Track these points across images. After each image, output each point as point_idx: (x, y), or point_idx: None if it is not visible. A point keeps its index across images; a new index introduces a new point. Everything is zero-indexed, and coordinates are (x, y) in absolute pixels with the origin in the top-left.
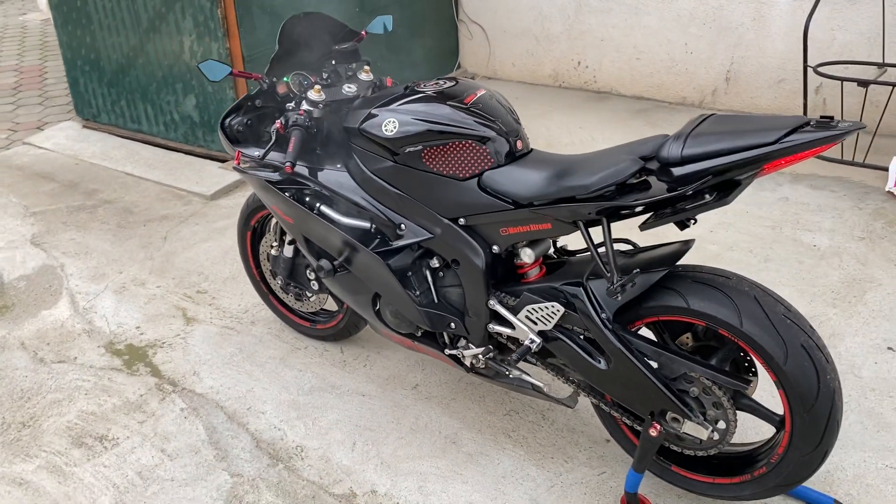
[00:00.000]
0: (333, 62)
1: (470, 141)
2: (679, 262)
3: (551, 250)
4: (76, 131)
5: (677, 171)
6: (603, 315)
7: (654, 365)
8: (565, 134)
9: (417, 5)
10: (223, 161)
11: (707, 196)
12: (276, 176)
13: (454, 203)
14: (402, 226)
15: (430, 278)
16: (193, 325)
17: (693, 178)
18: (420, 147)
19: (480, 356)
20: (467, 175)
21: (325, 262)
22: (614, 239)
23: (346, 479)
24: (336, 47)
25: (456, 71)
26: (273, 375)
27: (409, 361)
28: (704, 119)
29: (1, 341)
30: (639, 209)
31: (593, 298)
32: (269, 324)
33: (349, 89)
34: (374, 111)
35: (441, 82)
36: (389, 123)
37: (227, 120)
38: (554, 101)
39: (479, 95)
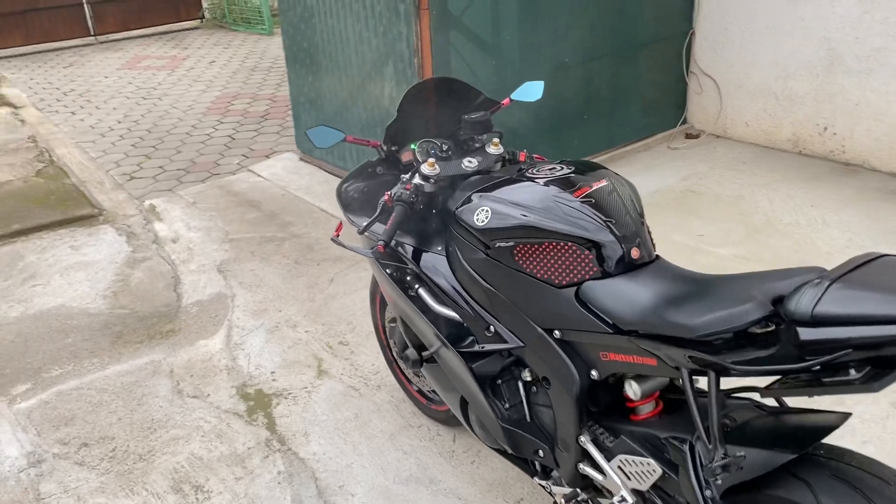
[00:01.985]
0: (461, 132)
1: (570, 243)
2: (824, 441)
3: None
4: (293, 163)
5: (805, 333)
6: (708, 493)
7: None
8: (789, 212)
9: (643, 53)
10: None
11: (853, 372)
12: (369, 253)
13: (548, 312)
14: (492, 328)
15: (520, 393)
16: (323, 379)
17: (824, 347)
18: (512, 243)
19: (569, 499)
20: (564, 282)
21: (411, 352)
22: (743, 388)
23: None
24: (465, 116)
25: (680, 126)
26: (377, 453)
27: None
28: (872, 260)
29: (155, 366)
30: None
31: (699, 466)
32: (394, 391)
33: (469, 164)
34: (472, 195)
35: (558, 167)
36: (482, 212)
37: (345, 185)
38: (788, 170)
39: (594, 188)
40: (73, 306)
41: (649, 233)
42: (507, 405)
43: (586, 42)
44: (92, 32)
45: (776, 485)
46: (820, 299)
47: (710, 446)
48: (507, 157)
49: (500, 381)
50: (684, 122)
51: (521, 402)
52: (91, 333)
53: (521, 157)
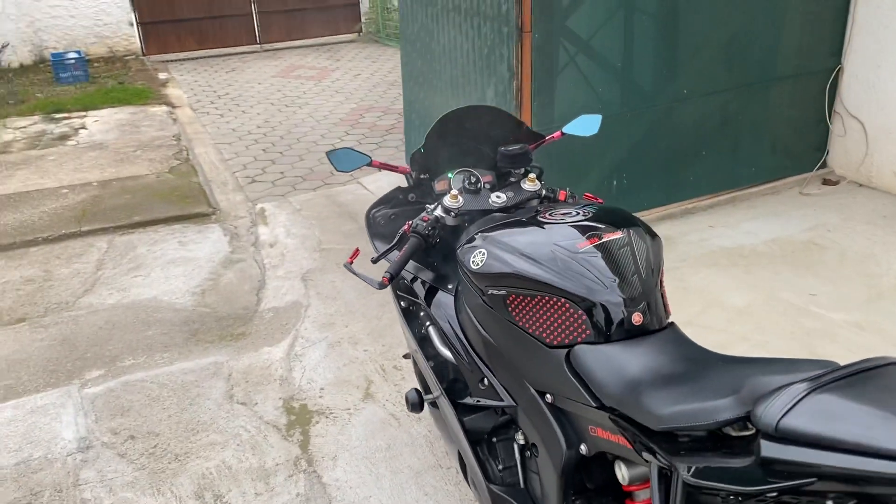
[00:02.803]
0: (499, 165)
1: (563, 299)
2: None
3: None
4: (399, 178)
5: (767, 447)
6: None
7: None
8: None
9: (778, 87)
10: None
11: None
12: (375, 284)
13: (540, 372)
14: (486, 380)
15: (514, 456)
16: (367, 403)
17: (787, 470)
18: (504, 292)
19: None
20: (556, 342)
21: (411, 394)
22: None
23: None
24: (501, 148)
25: (817, 170)
26: (398, 490)
27: None
28: (884, 366)
29: (216, 368)
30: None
31: None
32: (432, 426)
33: (497, 199)
34: (476, 234)
35: (577, 211)
36: (479, 254)
37: (374, 210)
38: None
39: (605, 240)
40: (162, 300)
41: (663, 296)
42: (500, 466)
43: (710, 71)
44: (258, 41)
45: None
46: (791, 409)
47: None
48: (543, 194)
49: (495, 440)
50: (823, 166)
51: (515, 465)
52: (170, 328)
53: (562, 196)
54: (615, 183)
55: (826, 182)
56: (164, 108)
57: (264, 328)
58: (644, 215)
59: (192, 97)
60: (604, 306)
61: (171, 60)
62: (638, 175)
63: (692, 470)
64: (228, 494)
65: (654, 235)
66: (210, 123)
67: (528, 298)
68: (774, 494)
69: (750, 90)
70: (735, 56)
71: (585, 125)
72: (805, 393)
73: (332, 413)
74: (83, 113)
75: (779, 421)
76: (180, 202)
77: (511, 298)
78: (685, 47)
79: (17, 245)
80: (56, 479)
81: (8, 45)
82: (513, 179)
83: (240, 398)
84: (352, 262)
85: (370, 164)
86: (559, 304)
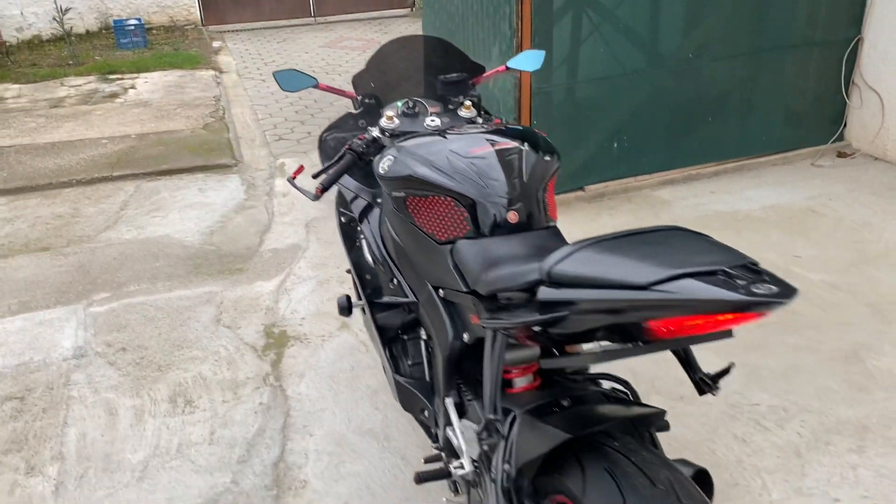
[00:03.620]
0: (438, 92)
1: (450, 199)
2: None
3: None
4: None
5: (542, 292)
6: (506, 467)
7: None
8: None
9: (793, 56)
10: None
11: (595, 344)
12: (310, 196)
13: (433, 268)
14: (395, 280)
15: (422, 353)
16: (342, 332)
17: (553, 308)
18: (404, 193)
19: (429, 460)
20: (443, 238)
21: (342, 299)
22: (602, 374)
23: None
24: (441, 77)
25: (832, 143)
26: (352, 405)
27: None
28: (666, 230)
29: (210, 296)
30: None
31: (511, 442)
32: None
33: (431, 122)
34: (392, 145)
35: (484, 127)
36: (387, 161)
37: (326, 133)
38: None
39: (495, 148)
40: (174, 237)
41: (548, 203)
42: (410, 362)
43: (721, 35)
44: (312, 14)
45: (562, 468)
46: (563, 259)
47: (484, 407)
48: (480, 122)
49: (406, 338)
50: (839, 139)
51: (423, 361)
52: (176, 262)
53: (496, 122)
54: (615, 145)
55: (840, 155)
56: (212, 72)
57: (261, 266)
58: (645, 179)
59: (241, 63)
60: (482, 204)
61: (228, 31)
62: (639, 138)
63: (489, 316)
64: (198, 400)
65: (552, 153)
66: (252, 87)
67: (423, 199)
68: (540, 329)
69: (763, 57)
70: (748, 22)
71: (529, 60)
72: (581, 247)
73: (307, 339)
74: (135, 75)
75: (550, 269)
76: (207, 154)
77: (409, 200)
78: (694, 9)
79: (54, 186)
80: (49, 379)
81: (70, 9)
82: (451, 107)
83: (226, 322)
84: (295, 178)
85: (316, 87)
86: (446, 202)
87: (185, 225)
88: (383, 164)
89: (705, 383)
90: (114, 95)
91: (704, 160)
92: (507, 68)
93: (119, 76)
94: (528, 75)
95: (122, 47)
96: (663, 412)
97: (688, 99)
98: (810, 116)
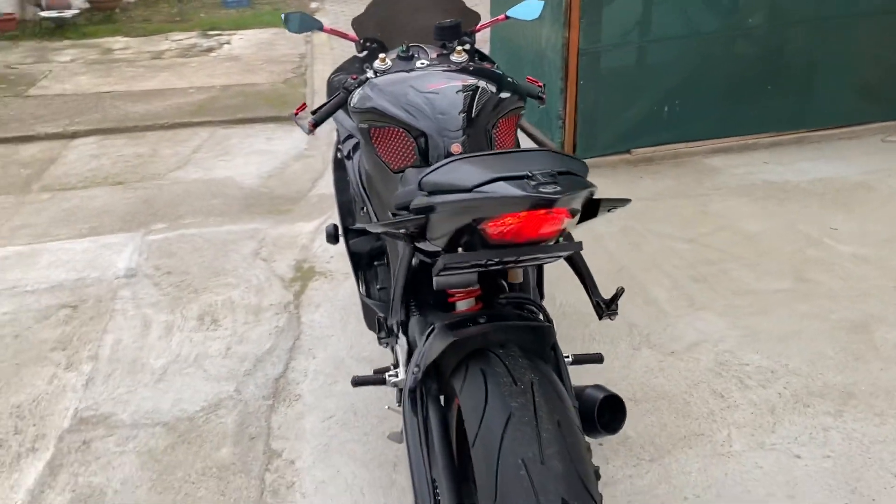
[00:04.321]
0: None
1: (402, 130)
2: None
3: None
4: None
5: (414, 201)
6: (414, 370)
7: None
8: None
9: (866, 24)
10: None
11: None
12: (305, 130)
13: (388, 195)
14: (365, 208)
15: (385, 275)
16: None
17: (416, 212)
18: (367, 125)
19: (379, 371)
20: (396, 167)
21: (330, 226)
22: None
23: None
24: (437, 23)
25: None
26: (356, 334)
27: None
28: (523, 151)
29: (254, 233)
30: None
31: (423, 350)
32: None
33: (419, 65)
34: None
35: (453, 65)
36: (356, 95)
37: (332, 75)
38: None
39: (451, 85)
40: (234, 179)
41: (490, 137)
42: (378, 286)
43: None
44: None
45: (455, 373)
46: (433, 171)
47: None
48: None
49: (375, 264)
50: None
51: (389, 286)
52: (231, 201)
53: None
54: (666, 109)
55: None
56: None
57: (307, 208)
58: (697, 146)
59: (333, 22)
60: (431, 136)
61: None
62: (692, 104)
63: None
64: (223, 320)
65: (515, 94)
66: (338, 46)
67: (382, 130)
68: (406, 230)
69: (830, 24)
70: None
71: (528, 10)
72: (450, 161)
73: (331, 275)
74: (233, 32)
75: (421, 178)
76: (280, 106)
77: (373, 130)
78: None
79: (139, 129)
80: (100, 293)
81: None
82: (444, 52)
83: (263, 256)
84: (297, 114)
85: (321, 30)
86: (400, 133)
87: (247, 169)
88: (353, 98)
89: (600, 307)
90: (209, 50)
91: (762, 130)
92: (507, 17)
93: (218, 32)
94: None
95: (227, 6)
96: (548, 327)
97: (747, 65)
98: (884, 88)
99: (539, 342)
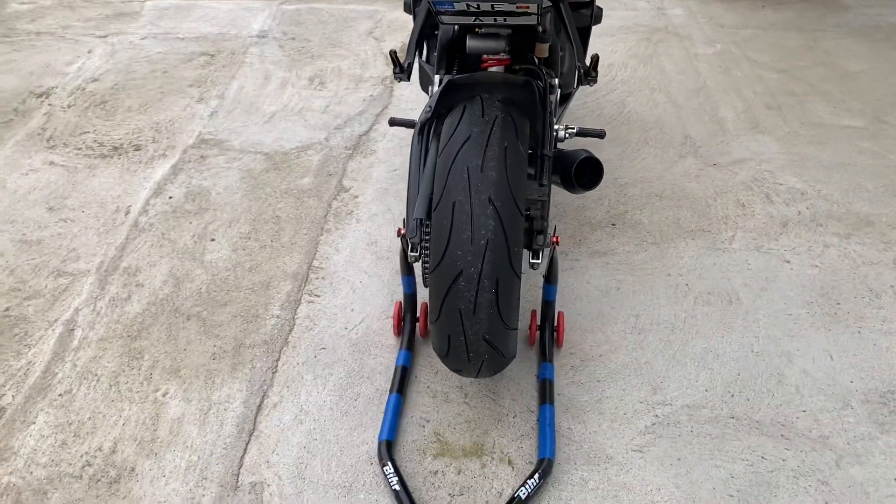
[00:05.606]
0: None
1: None
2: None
3: None
4: None
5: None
6: (426, 109)
7: None
8: None
9: None
10: None
11: None
12: None
13: None
14: None
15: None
16: None
17: None
18: None
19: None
20: None
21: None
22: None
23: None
24: None
25: None
26: None
27: None
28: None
29: (373, 13)
30: None
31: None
32: None
33: None
34: None
35: None
36: None
37: None
38: None
39: None
40: None
41: None
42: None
43: None
44: None
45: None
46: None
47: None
48: None
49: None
50: None
51: None
52: None
53: None
54: None
55: None
56: None
57: None
58: None
59: None
60: None
61: None
62: None
63: None
64: (329, 83)
65: None
66: None
67: None
68: None
69: None
70: None
71: None
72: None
73: None
74: None
75: None
76: None
77: None
78: None
79: None
80: (233, 46)
81: None
82: None
83: (376, 35)
84: None
85: None
86: None
87: None
88: None
89: (580, 73)
90: None
91: None
92: None
93: None
94: None
95: None
96: (529, 84)
97: None
98: None
99: (522, 96)
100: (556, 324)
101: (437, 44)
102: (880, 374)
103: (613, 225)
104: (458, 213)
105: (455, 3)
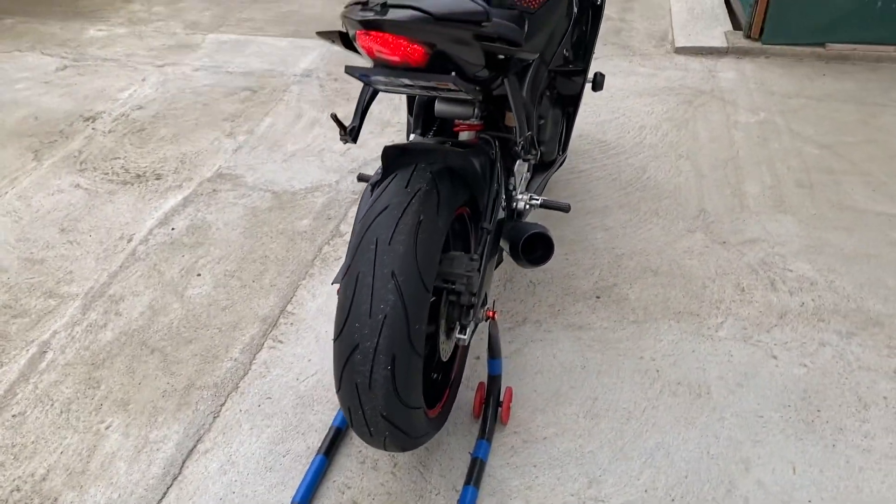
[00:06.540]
0: None
1: None
2: None
3: None
4: None
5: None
6: (379, 170)
7: None
8: None
9: None
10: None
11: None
12: None
13: None
14: None
15: None
16: None
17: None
18: None
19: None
20: None
21: None
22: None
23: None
24: None
25: None
26: None
27: None
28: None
29: None
30: None
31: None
32: None
33: None
34: None
35: None
36: None
37: None
38: None
39: None
40: None
41: None
42: None
43: None
44: None
45: None
46: None
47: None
48: None
49: None
50: None
51: None
52: None
53: None
54: (880, 4)
55: None
56: None
57: None
58: None
59: None
60: None
61: None
62: None
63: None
64: None
65: None
66: None
67: None
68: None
69: None
70: None
71: None
72: None
73: None
74: None
75: None
76: None
77: None
78: None
79: None
80: (276, 83)
81: None
82: None
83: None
84: None
85: None
86: None
87: None
88: None
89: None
90: None
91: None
92: None
93: None
94: None
95: None
96: (464, 155)
97: None
98: None
99: (463, 166)
100: (500, 399)
101: (415, 104)
102: (844, 498)
103: (598, 298)
104: (360, 286)
105: (375, 83)
